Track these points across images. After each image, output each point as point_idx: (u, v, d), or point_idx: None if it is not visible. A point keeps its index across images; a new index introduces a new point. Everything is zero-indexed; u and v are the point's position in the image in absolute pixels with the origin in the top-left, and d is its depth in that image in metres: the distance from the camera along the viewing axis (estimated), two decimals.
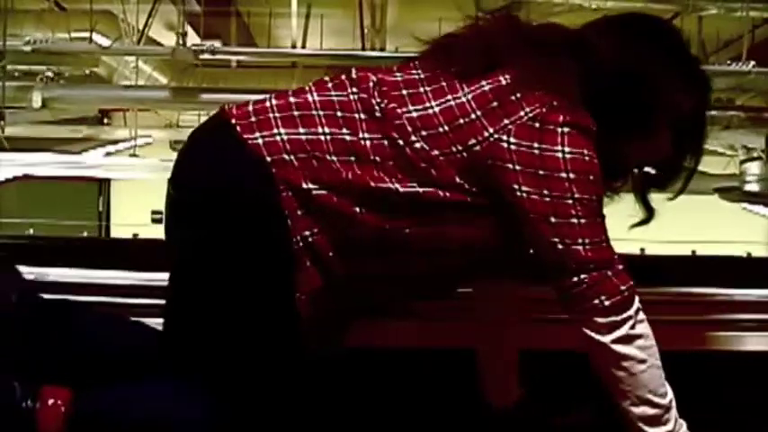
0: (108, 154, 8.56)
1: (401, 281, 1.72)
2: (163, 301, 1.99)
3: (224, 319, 1.67)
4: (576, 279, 1.63)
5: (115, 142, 8.36)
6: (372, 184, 1.61)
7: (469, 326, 2.05)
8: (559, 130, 1.60)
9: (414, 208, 1.63)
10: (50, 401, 1.67)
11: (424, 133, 1.62)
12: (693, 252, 3.37)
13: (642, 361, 1.64)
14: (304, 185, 1.61)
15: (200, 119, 8.00)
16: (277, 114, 1.66)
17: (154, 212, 11.08)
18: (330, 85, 1.71)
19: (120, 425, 1.70)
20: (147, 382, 1.75)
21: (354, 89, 1.68)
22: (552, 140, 1.60)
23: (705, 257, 2.65)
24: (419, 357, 2.10)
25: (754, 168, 5.70)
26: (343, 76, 1.71)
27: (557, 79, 1.64)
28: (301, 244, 1.62)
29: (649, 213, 1.87)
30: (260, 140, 1.63)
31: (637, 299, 1.66)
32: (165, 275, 2.04)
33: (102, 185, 10.97)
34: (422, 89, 1.68)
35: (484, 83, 1.65)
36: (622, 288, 1.65)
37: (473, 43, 1.73)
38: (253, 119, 1.67)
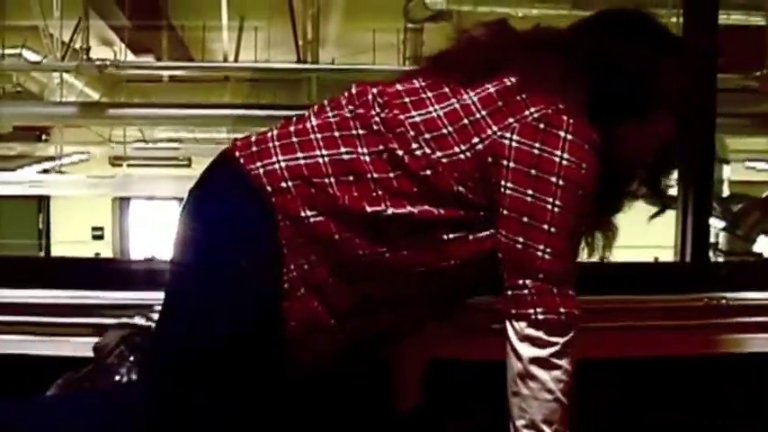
0: (45, 171, 8.47)
1: (398, 304, 1.70)
2: (100, 320, 2.01)
3: (210, 343, 1.65)
4: (521, 281, 1.60)
5: (51, 159, 8.26)
6: (368, 209, 1.59)
7: None
8: (562, 134, 1.59)
9: (409, 230, 1.62)
10: None
11: (427, 136, 1.62)
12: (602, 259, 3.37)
13: (550, 391, 1.60)
14: (302, 213, 1.60)
15: (125, 135, 8.00)
16: (276, 143, 1.66)
17: (94, 229, 11.03)
18: (328, 107, 1.72)
19: None
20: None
21: (351, 107, 1.69)
22: (554, 144, 1.59)
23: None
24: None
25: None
26: (342, 95, 1.72)
27: (560, 82, 1.63)
28: (295, 273, 1.62)
29: (664, 203, 1.87)
30: (260, 170, 1.63)
31: (574, 332, 1.61)
32: (103, 294, 2.08)
33: (42, 202, 10.83)
34: (424, 95, 1.68)
35: (488, 85, 1.65)
36: (562, 310, 1.59)
37: (471, 52, 1.73)
38: (254, 149, 1.67)
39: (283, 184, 1.62)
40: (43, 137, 9.46)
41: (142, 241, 10.65)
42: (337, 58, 7.68)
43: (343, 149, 1.63)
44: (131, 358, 1.95)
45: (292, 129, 1.69)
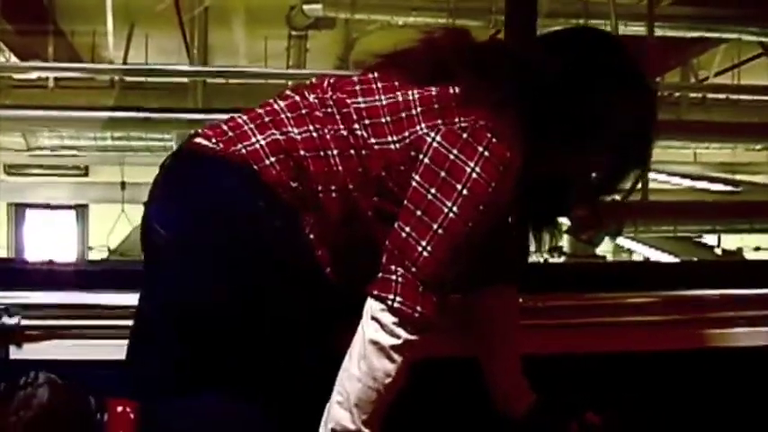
0: None
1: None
2: None
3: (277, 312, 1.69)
4: (393, 267, 1.64)
5: None
6: (332, 185, 1.68)
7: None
8: (480, 149, 1.63)
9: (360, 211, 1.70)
10: (119, 409, 1.71)
11: (366, 122, 1.69)
12: None
13: (375, 379, 1.63)
14: (291, 184, 1.67)
15: None
16: (251, 125, 1.72)
17: None
18: (291, 93, 1.79)
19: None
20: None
21: (310, 92, 1.76)
22: (470, 155, 1.63)
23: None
24: None
25: None
26: (303, 85, 1.80)
27: (498, 102, 1.67)
28: (313, 221, 1.69)
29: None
30: (243, 150, 1.69)
31: (421, 336, 1.64)
32: None
33: None
34: (374, 86, 1.75)
35: (433, 88, 1.71)
36: (418, 308, 1.63)
37: (425, 55, 1.78)
38: (231, 134, 1.72)
39: (266, 161, 1.67)
40: None
41: (38, 251, 10.48)
42: (230, 65, 7.69)
43: (311, 127, 1.70)
44: None
45: (261, 111, 1.75)
